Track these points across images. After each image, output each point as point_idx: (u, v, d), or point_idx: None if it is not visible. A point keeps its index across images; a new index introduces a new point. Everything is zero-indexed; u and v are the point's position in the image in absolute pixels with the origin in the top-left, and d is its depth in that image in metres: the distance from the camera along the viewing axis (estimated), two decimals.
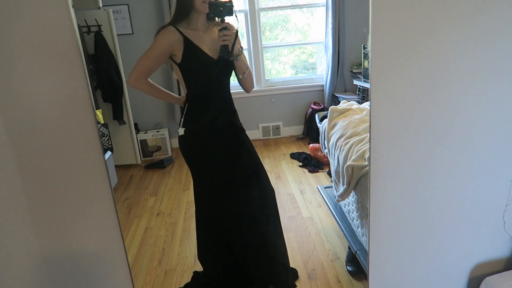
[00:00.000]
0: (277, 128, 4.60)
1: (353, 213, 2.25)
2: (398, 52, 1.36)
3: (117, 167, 3.79)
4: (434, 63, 1.38)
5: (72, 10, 1.28)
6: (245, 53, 4.25)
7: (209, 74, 1.76)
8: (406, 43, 1.35)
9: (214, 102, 1.80)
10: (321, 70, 4.64)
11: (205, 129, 1.81)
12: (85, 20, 3.52)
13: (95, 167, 1.44)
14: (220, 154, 1.85)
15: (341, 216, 2.46)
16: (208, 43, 1.75)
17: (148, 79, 1.80)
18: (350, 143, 2.13)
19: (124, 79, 3.75)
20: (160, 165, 3.93)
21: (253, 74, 1.93)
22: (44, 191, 1.44)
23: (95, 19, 3.55)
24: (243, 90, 1.94)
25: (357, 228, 2.17)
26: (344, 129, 2.28)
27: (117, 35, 3.72)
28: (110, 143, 3.11)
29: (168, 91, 1.95)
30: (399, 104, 1.42)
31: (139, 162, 4.00)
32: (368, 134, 2.11)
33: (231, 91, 1.86)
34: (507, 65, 1.41)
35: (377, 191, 1.53)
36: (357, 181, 1.98)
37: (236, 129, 1.88)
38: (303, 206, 3.01)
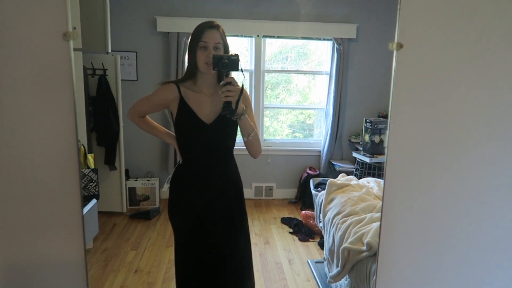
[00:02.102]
0: (270, 189, 4.51)
1: None
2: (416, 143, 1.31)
3: (100, 213, 3.62)
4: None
5: (72, 52, 1.23)
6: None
7: (200, 140, 1.70)
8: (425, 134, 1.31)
9: (206, 168, 1.72)
10: (317, 133, 4.65)
11: (188, 195, 1.74)
12: (91, 62, 3.53)
13: (70, 221, 1.34)
14: (200, 224, 1.76)
15: None
16: (208, 107, 1.69)
17: (147, 117, 1.86)
18: (348, 222, 2.04)
19: (121, 124, 3.70)
20: (146, 216, 3.78)
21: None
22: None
23: (102, 63, 3.57)
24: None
25: None
26: (342, 206, 2.20)
27: (122, 80, 3.73)
28: (97, 189, 2.99)
29: (165, 130, 1.88)
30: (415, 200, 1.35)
31: (125, 210, 3.85)
32: (367, 216, 2.04)
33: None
34: None
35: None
36: (353, 265, 1.88)
37: (225, 202, 1.78)
38: (290, 278, 2.86)
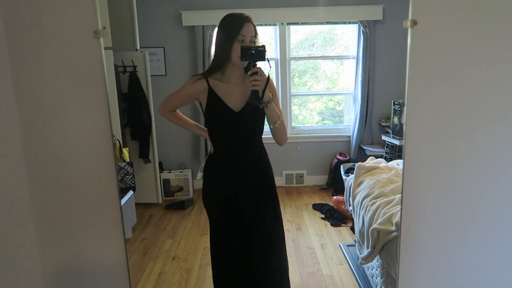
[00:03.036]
0: (301, 176, 4.53)
1: (377, 278, 2.13)
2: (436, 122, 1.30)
3: (137, 205, 3.78)
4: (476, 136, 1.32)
5: (103, 51, 1.30)
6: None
7: (229, 127, 1.75)
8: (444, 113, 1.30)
9: (236, 155, 1.78)
10: (347, 119, 4.61)
11: (221, 183, 1.80)
12: (122, 60, 3.66)
13: (109, 213, 1.43)
14: (233, 209, 1.81)
15: (364, 279, 2.33)
16: (236, 96, 1.74)
17: (177, 111, 1.92)
18: (377, 204, 2.05)
19: (153, 118, 3.82)
20: (180, 206, 3.91)
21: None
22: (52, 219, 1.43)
23: (132, 60, 3.69)
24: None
25: None
26: (371, 188, 2.21)
27: (151, 75, 3.84)
28: (133, 181, 3.12)
29: (194, 123, 1.95)
30: (437, 176, 1.35)
31: (160, 201, 4.00)
32: (396, 197, 2.04)
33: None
34: None
35: (407, 267, 1.43)
36: (383, 246, 1.89)
37: (256, 187, 1.83)
38: (324, 263, 2.89)
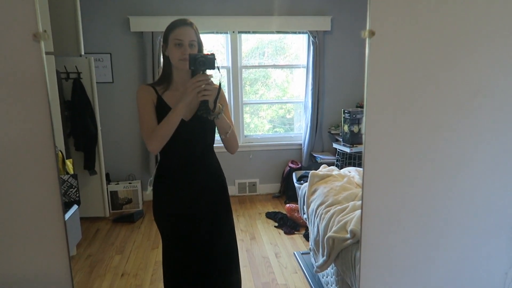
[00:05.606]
0: (254, 185, 4.52)
1: (331, 285, 2.14)
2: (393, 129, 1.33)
3: (83, 219, 3.57)
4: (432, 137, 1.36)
5: (44, 56, 1.20)
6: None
7: (179, 136, 1.64)
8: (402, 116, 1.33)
9: (188, 166, 1.72)
10: (297, 127, 4.68)
11: (173, 195, 1.73)
12: (65, 66, 3.46)
13: (52, 230, 1.32)
14: (186, 222, 1.75)
15: (319, 287, 2.34)
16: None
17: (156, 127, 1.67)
18: (331, 212, 2.07)
19: (99, 128, 3.64)
20: (129, 219, 3.74)
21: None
22: None
23: (75, 66, 3.50)
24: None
25: None
26: (325, 196, 2.23)
27: (97, 83, 3.67)
28: (77, 195, 2.93)
29: (169, 116, 1.62)
30: (393, 186, 1.37)
31: (107, 215, 3.80)
32: (350, 204, 2.07)
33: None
34: None
35: (367, 277, 1.44)
36: (338, 253, 1.90)
37: (210, 198, 1.78)
38: (278, 272, 2.87)
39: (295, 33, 4.31)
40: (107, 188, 3.86)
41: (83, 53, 3.44)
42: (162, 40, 1.70)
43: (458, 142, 1.39)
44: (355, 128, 3.78)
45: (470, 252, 1.50)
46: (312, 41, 4.19)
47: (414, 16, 1.23)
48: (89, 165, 3.60)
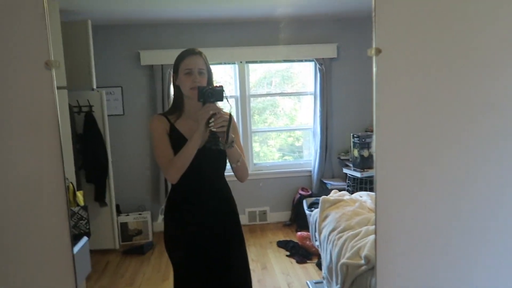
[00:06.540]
0: (264, 213, 4.47)
1: None
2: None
3: (93, 252, 3.53)
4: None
5: (55, 86, 1.23)
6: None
7: (193, 164, 1.63)
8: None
9: (200, 194, 1.72)
10: (307, 154, 4.67)
11: (185, 224, 1.72)
12: (77, 100, 3.53)
13: (60, 263, 1.31)
14: (199, 252, 1.73)
15: None
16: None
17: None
18: (344, 237, 2.03)
19: (110, 160, 3.67)
20: (139, 250, 3.70)
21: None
22: None
23: (87, 100, 3.58)
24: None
25: None
26: (337, 222, 2.19)
27: (108, 115, 3.73)
28: (88, 227, 2.92)
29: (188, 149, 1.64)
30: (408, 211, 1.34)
31: (117, 247, 3.77)
32: (362, 229, 2.03)
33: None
34: None
35: None
36: (352, 280, 1.85)
37: (223, 227, 1.76)
38: None
39: (301, 61, 4.37)
40: (117, 220, 3.85)
41: (95, 87, 3.53)
42: (172, 71, 1.75)
43: (472, 162, 1.36)
44: (365, 153, 3.75)
45: (498, 276, 1.45)
46: (318, 68, 4.25)
47: (420, 32, 1.25)
48: (100, 196, 3.61)
